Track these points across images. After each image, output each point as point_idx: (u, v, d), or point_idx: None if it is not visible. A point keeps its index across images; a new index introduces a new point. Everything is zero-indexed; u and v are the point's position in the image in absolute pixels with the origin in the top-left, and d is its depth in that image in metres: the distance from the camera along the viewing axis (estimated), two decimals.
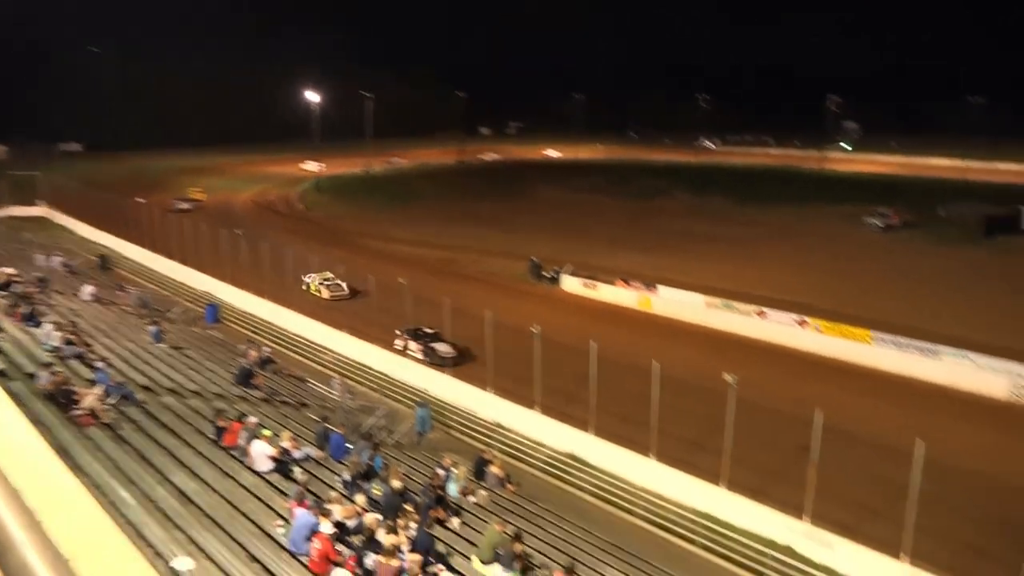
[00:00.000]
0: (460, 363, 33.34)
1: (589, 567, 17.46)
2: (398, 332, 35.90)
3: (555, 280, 49.63)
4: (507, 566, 15.74)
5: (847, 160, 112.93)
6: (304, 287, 44.66)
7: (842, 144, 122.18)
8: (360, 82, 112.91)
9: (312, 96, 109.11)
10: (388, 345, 35.18)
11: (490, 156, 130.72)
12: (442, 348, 34.18)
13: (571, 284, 48.81)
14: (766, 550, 20.58)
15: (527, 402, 28.22)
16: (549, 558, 17.03)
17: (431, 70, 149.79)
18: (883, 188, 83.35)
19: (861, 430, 23.99)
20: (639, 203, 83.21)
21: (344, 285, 44.81)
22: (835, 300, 42.82)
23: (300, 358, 35.88)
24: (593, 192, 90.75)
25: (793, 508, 21.08)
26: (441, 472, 20.44)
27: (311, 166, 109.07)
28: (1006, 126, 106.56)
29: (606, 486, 24.46)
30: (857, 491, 22.50)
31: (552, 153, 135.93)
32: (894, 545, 19.01)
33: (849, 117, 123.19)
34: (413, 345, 35.03)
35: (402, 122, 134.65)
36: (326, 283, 45.05)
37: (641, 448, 24.48)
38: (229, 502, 15.81)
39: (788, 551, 20.50)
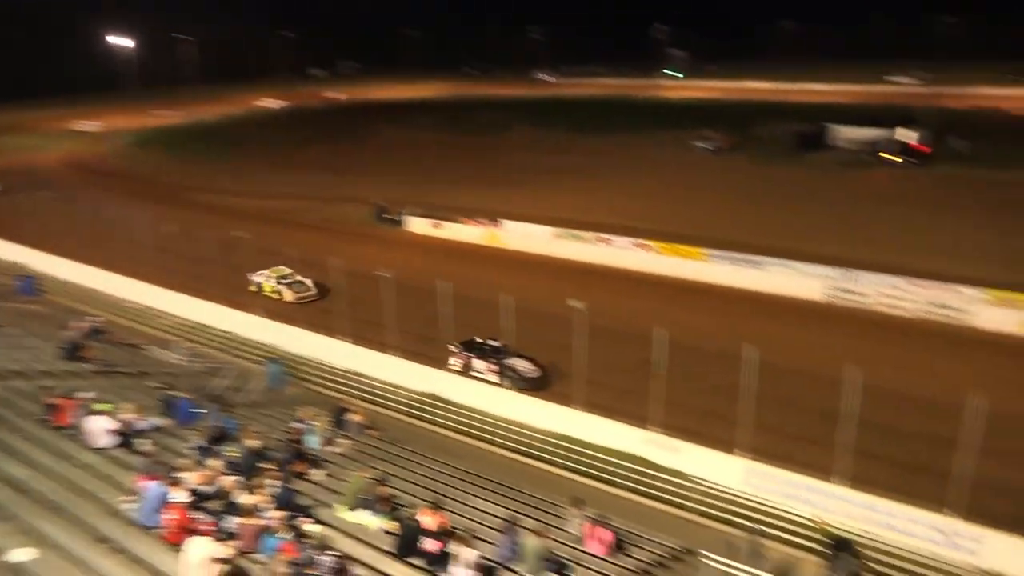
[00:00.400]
0: (544, 385, 26.46)
1: (457, 500, 17.85)
2: (453, 348, 27.84)
3: (399, 222, 49.08)
4: (373, 510, 15.82)
5: (677, 87, 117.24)
6: (254, 289, 36.44)
7: (672, 71, 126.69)
8: (179, 24, 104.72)
9: (123, 41, 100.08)
10: (439, 363, 27.68)
11: (272, 103, 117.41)
12: (523, 366, 26.76)
13: (418, 225, 48.46)
14: (620, 462, 21.86)
15: (383, 347, 28.07)
16: (416, 497, 17.24)
17: (257, 9, 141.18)
18: (711, 112, 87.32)
19: (700, 341, 25.65)
20: (481, 139, 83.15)
21: (309, 282, 36.37)
22: (673, 222, 45.00)
23: (137, 325, 33.75)
24: (434, 131, 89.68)
25: (642, 420, 22.40)
26: (298, 426, 20.11)
27: (87, 126, 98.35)
28: (818, 48, 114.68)
29: (468, 421, 24.94)
30: (699, 398, 24.13)
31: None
32: (733, 443, 20.71)
33: (676, 44, 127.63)
34: (479, 364, 27.24)
35: (228, 66, 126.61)
36: (285, 282, 36.31)
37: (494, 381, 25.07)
38: (69, 484, 14.84)
39: (640, 460, 21.87)
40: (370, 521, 15.67)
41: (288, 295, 35.91)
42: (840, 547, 15.92)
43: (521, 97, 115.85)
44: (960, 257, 37.24)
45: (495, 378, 26.69)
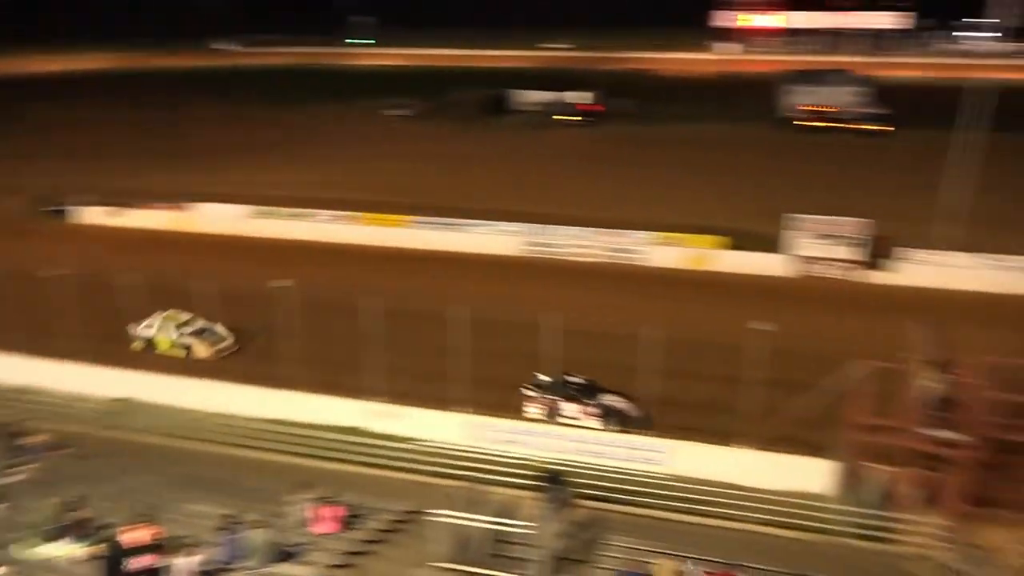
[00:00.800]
0: (649, 423, 21.99)
1: (171, 508, 16.58)
2: (529, 392, 22.98)
3: (66, 213, 43.47)
4: (71, 538, 14.17)
5: (368, 54, 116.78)
6: (139, 346, 27.54)
7: (360, 38, 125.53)
8: None
9: None
10: (510, 410, 22.42)
11: None
12: (622, 404, 22.39)
13: (92, 215, 43.32)
14: (343, 437, 21.62)
15: (59, 355, 24.84)
16: (123, 513, 15.67)
17: None
18: (403, 79, 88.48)
19: (412, 306, 26.13)
20: (159, 116, 76.15)
21: (221, 327, 27.63)
22: (375, 191, 45.05)
23: None
24: (101, 108, 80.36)
25: (362, 392, 22.37)
26: None
27: None
28: (495, 16, 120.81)
29: (172, 422, 23.05)
30: (416, 361, 24.51)
31: None
32: (452, 400, 21.49)
33: (362, 11, 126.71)
34: (571, 408, 22.51)
35: None
36: (189, 331, 27.44)
37: (201, 372, 23.50)
38: None
39: (363, 432, 21.86)
40: (67, 550, 14.03)
41: (202, 349, 27.12)
42: (551, 480, 17.35)
43: (200, 68, 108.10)
44: (633, 204, 41.84)
45: (595, 423, 22.16)
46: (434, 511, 15.59)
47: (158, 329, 27.63)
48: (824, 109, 61.07)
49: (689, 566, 14.93)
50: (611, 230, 36.46)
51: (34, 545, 14.26)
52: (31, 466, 18.48)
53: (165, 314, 27.71)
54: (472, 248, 36.82)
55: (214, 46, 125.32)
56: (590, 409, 22.39)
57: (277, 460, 21.29)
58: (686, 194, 44.11)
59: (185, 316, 27.73)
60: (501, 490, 18.79)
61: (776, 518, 18.39)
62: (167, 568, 13.03)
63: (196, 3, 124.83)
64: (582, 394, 22.68)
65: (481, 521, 15.50)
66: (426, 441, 21.49)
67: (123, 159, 56.64)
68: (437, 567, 15.29)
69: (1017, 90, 58.97)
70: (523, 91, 70.20)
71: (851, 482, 18.79)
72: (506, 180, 48.65)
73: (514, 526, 15.77)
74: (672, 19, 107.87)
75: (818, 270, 33.56)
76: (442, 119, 68.75)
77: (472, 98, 71.79)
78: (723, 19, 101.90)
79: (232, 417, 22.85)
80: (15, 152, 60.20)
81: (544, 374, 22.73)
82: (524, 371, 22.40)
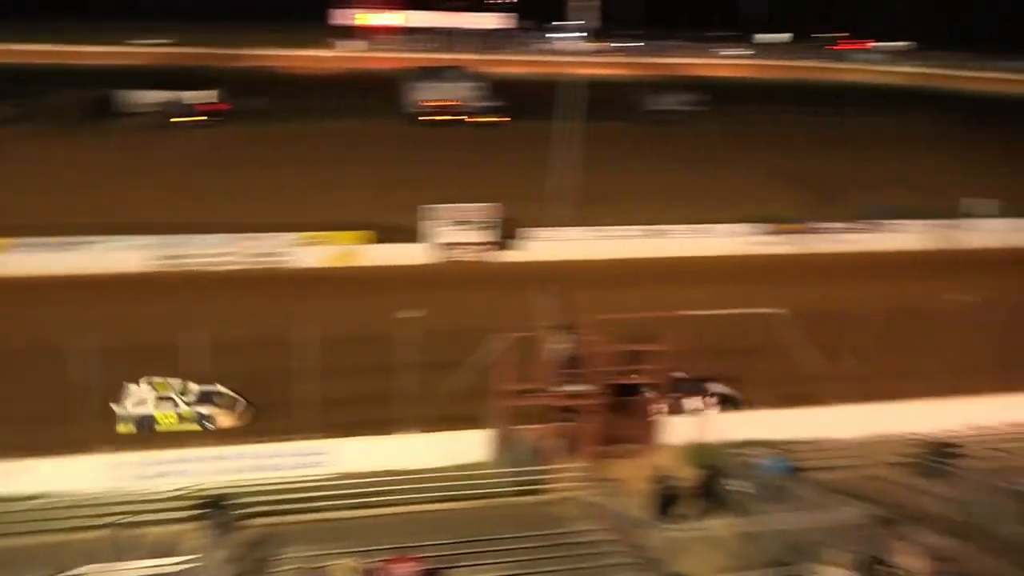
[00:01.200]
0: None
1: None
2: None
3: None
4: None
5: None
6: (128, 428, 21.76)
7: None
8: None
9: None
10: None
11: None
12: (730, 390, 23.10)
13: None
14: None
15: None
16: None
17: None
18: None
19: (21, 340, 22.71)
20: None
21: (223, 388, 22.96)
22: None
23: None
24: None
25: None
26: None
27: None
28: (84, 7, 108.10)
29: None
30: (31, 404, 21.21)
31: None
32: (88, 441, 19.01)
33: None
34: (692, 402, 22.46)
35: None
36: (191, 399, 22.45)
37: None
38: None
39: None
40: None
41: (225, 419, 22.44)
42: (211, 506, 16.28)
43: None
44: (271, 205, 40.63)
45: (715, 411, 22.29)
46: (75, 571, 13.71)
47: (155, 403, 22.41)
48: (446, 104, 64.85)
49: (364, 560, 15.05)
50: (251, 234, 34.92)
51: None
52: None
53: (152, 383, 22.53)
54: (91, 268, 32.49)
55: None
56: (709, 399, 22.75)
57: None
58: (325, 192, 43.91)
59: (176, 382, 22.79)
60: (157, 529, 17.13)
61: (444, 493, 19.37)
62: None
63: None
64: (695, 387, 22.86)
65: (133, 568, 14.01)
66: (57, 494, 18.68)
67: None
68: None
69: (603, 84, 68.16)
70: (134, 91, 63.73)
71: (504, 445, 20.45)
72: (125, 190, 43.76)
73: (174, 563, 14.53)
74: (285, 16, 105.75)
75: (456, 254, 35.74)
76: (37, 125, 59.69)
77: (73, 100, 63.56)
78: (342, 17, 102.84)
79: None
80: None
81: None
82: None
